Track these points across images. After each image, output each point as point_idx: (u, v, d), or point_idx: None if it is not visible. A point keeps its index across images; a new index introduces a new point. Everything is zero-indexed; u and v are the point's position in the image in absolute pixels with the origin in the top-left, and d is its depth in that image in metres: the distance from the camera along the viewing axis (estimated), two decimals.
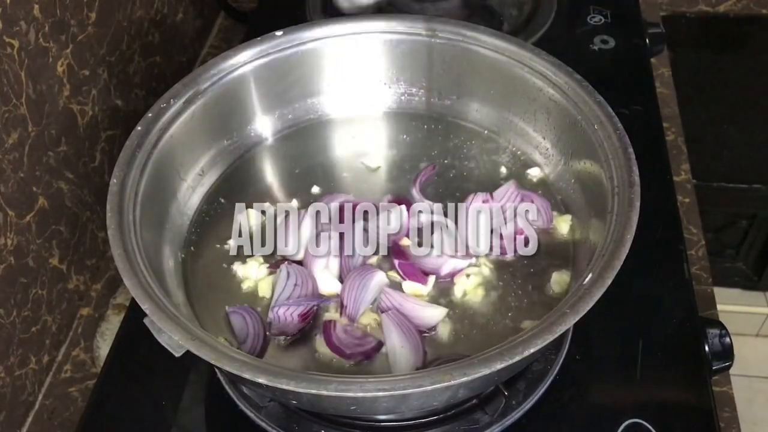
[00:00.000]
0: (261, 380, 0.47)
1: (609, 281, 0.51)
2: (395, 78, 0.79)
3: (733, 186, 1.54)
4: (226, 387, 0.65)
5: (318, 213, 0.69)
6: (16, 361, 0.74)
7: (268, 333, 0.62)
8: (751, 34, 1.33)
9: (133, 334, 0.71)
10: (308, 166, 0.76)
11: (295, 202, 0.72)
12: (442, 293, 0.64)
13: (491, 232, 0.67)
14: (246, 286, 0.66)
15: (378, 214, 0.69)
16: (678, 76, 1.05)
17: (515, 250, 0.66)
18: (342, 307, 0.62)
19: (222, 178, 0.74)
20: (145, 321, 0.51)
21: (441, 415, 0.62)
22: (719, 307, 0.79)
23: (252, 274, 0.66)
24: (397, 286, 0.64)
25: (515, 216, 0.68)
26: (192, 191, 0.71)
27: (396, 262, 0.65)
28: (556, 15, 1.00)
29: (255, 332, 0.61)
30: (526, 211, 0.68)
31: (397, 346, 0.59)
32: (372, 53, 0.77)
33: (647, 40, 1.00)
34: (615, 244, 0.53)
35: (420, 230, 0.67)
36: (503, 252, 0.66)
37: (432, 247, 0.66)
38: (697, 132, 1.11)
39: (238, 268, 0.67)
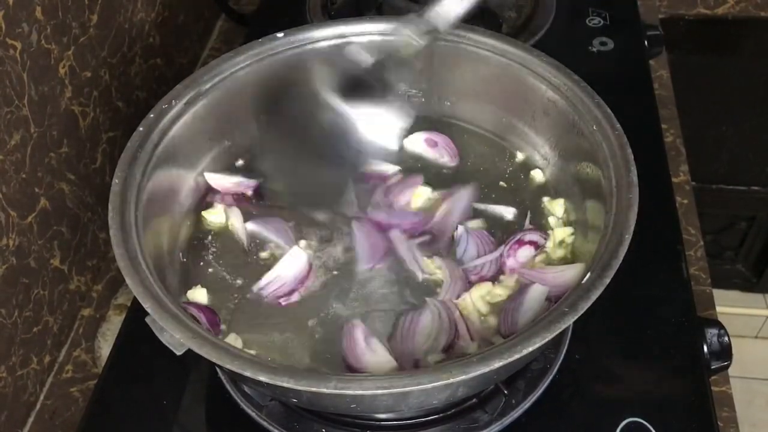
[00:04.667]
0: (262, 378, 0.47)
1: (607, 281, 0.51)
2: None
3: (732, 188, 1.54)
4: (227, 386, 0.66)
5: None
6: (17, 361, 0.74)
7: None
8: (750, 37, 1.33)
9: (134, 335, 0.71)
10: None
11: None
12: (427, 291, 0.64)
13: None
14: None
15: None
16: (676, 78, 1.06)
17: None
18: None
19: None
20: (147, 320, 0.52)
21: (441, 414, 0.63)
22: (718, 309, 0.80)
23: (219, 219, 0.70)
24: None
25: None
26: (193, 192, 0.72)
27: None
28: (555, 17, 1.00)
29: None
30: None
31: None
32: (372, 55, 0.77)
33: (646, 42, 1.00)
34: (613, 245, 0.54)
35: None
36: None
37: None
38: (696, 134, 1.12)
39: (206, 214, 0.70)
